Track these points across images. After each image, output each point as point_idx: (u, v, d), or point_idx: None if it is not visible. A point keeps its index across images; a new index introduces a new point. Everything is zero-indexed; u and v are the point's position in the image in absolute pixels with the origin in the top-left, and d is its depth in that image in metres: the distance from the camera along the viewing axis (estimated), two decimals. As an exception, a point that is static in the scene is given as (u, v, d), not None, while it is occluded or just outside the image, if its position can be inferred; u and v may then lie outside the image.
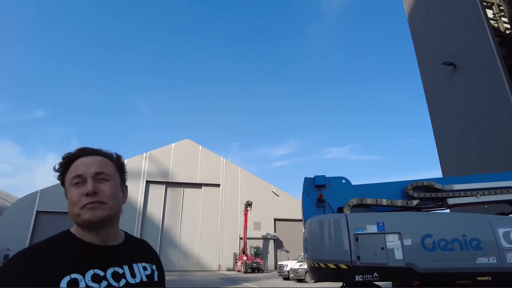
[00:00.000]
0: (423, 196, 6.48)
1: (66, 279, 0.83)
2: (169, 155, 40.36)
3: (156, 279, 1.05)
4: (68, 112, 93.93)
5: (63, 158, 0.97)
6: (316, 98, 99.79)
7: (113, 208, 0.95)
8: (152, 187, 39.09)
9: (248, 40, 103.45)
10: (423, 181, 6.60)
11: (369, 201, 6.04)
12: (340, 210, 5.99)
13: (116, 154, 1.05)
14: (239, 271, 31.80)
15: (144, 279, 1.00)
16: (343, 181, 6.33)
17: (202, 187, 40.53)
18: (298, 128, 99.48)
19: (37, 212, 34.47)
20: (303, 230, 6.00)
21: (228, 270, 35.43)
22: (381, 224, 5.25)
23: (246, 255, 32.39)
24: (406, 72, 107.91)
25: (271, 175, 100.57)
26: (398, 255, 5.11)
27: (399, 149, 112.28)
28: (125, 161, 1.10)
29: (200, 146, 42.28)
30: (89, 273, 0.87)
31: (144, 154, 39.87)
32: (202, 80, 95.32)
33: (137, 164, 38.66)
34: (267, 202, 40.44)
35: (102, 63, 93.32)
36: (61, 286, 0.81)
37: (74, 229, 0.96)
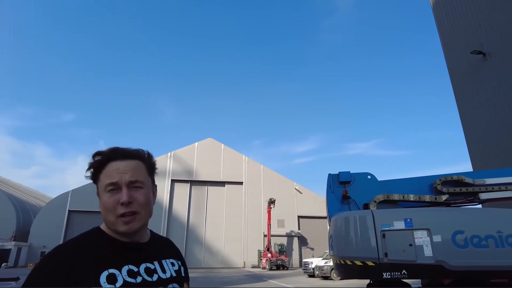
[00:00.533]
0: (452, 191, 6.25)
1: (104, 274, 0.87)
2: (193, 154, 40.99)
3: (183, 274, 1.10)
4: (95, 115, 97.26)
5: (94, 157, 0.99)
6: (338, 94, 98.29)
7: (146, 216, 0.99)
8: (177, 185, 39.86)
9: (263, 40, 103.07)
10: (452, 175, 6.37)
11: (395, 197, 5.89)
12: (366, 206, 5.87)
13: (148, 154, 1.06)
14: (263, 268, 31.90)
15: (174, 274, 1.04)
16: (369, 177, 6.20)
17: (225, 185, 40.91)
18: (321, 124, 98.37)
19: (69, 211, 35.97)
20: (328, 227, 5.93)
21: (253, 267, 35.63)
22: (408, 220, 5.11)
23: (271, 252, 32.43)
24: (431, 64, 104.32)
25: (294, 172, 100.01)
26: (428, 252, 4.96)
27: (426, 143, 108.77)
28: (155, 160, 1.11)
29: (223, 145, 42.66)
30: (125, 268, 0.92)
31: (169, 153, 40.67)
32: (222, 80, 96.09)
33: (162, 163, 39.48)
34: (290, 200, 40.31)
35: (127, 66, 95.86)
36: (100, 281, 0.85)
37: (104, 227, 1.00)
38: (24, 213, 39.28)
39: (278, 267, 30.61)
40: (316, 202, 40.31)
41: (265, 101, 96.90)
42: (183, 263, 1.17)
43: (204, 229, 38.84)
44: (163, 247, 1.11)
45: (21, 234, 35.91)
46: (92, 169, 0.99)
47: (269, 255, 31.92)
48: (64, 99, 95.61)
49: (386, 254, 4.87)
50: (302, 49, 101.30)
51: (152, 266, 0.99)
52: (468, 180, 6.26)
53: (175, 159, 40.38)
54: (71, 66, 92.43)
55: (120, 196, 0.94)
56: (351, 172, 6.18)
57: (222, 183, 40.97)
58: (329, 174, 6.19)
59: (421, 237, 5.05)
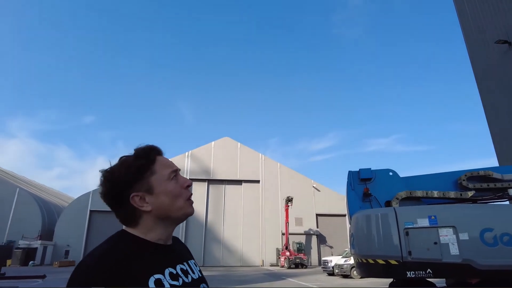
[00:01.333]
0: (479, 187, 6.00)
1: (152, 279, 0.83)
2: (210, 153, 41.28)
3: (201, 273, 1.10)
4: (113, 117, 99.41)
5: (141, 154, 0.99)
6: (355, 88, 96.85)
7: None
8: (194, 184, 40.23)
9: (277, 33, 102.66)
10: (479, 170, 6.12)
11: (419, 193, 5.70)
12: (388, 204, 5.71)
13: None
14: (282, 266, 31.81)
15: (200, 274, 1.05)
16: (390, 173, 6.03)
17: (243, 183, 41.01)
18: (338, 120, 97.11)
19: (90, 211, 36.91)
20: (349, 225, 5.80)
21: (272, 265, 35.60)
22: (433, 217, 4.93)
23: (289, 251, 32.30)
24: (453, 53, 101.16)
25: (312, 170, 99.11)
26: (454, 250, 4.77)
27: (448, 138, 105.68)
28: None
29: (239, 144, 42.77)
30: (166, 272, 0.89)
31: (186, 153, 41.11)
32: (237, 76, 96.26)
33: (180, 163, 39.92)
34: (308, 198, 40.02)
35: (142, 66, 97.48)
36: (150, 286, 0.82)
37: (131, 229, 0.94)
38: (49, 213, 40.57)
39: (297, 266, 30.46)
40: (335, 200, 39.87)
41: (284, 95, 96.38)
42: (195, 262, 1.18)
43: (222, 228, 39.08)
44: (181, 248, 1.11)
45: (46, 234, 37.12)
46: (141, 167, 0.97)
47: (288, 253, 31.80)
48: (84, 102, 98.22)
49: (410, 253, 4.71)
50: (318, 42, 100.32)
51: (184, 267, 0.99)
52: (496, 175, 6.00)
53: (193, 159, 40.79)
54: (89, 70, 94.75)
55: (185, 180, 1.02)
56: (372, 168, 6.03)
57: (239, 182, 41.09)
58: (349, 171, 6.04)
59: (446, 235, 4.86)
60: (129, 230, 0.94)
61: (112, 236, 0.92)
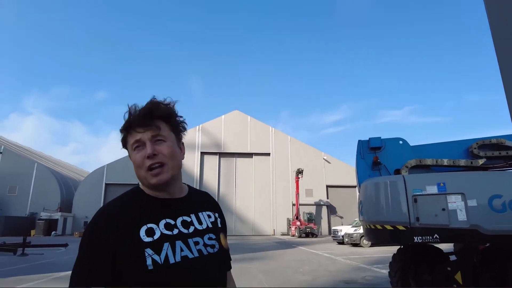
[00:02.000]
0: (490, 155, 5.99)
1: (143, 228, 0.96)
2: (220, 126, 41.49)
3: (219, 225, 1.16)
4: (124, 92, 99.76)
5: (124, 125, 1.06)
6: (369, 58, 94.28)
7: (174, 167, 1.04)
8: (206, 158, 40.81)
9: (288, 2, 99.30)
10: (491, 138, 6.08)
11: (428, 161, 5.73)
12: (397, 172, 5.77)
13: (172, 113, 1.10)
14: (293, 235, 32.64)
15: (210, 225, 1.10)
16: (400, 142, 6.05)
17: (253, 156, 41.38)
18: (351, 91, 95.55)
19: (106, 184, 38.10)
20: (358, 194, 5.92)
21: (283, 234, 36.54)
22: (442, 184, 4.99)
23: (300, 221, 32.99)
24: (470, 20, 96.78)
25: (323, 143, 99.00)
26: (462, 216, 4.86)
27: (464, 109, 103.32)
28: (180, 118, 1.13)
29: (249, 117, 42.74)
30: (162, 222, 0.99)
31: (197, 127, 41.38)
32: (246, 45, 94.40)
33: (191, 136, 40.33)
34: (319, 170, 40.28)
35: (151, 39, 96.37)
36: (140, 234, 0.94)
37: (142, 186, 1.08)
38: (66, 187, 42.01)
39: (307, 235, 31.20)
40: (345, 172, 40.03)
41: (296, 64, 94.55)
42: (221, 215, 1.22)
43: (234, 199, 39.93)
44: (200, 201, 1.17)
45: (65, 206, 38.67)
46: (121, 137, 1.07)
47: (298, 223, 32.51)
48: (95, 77, 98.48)
49: (417, 219, 4.82)
50: (330, 9, 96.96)
51: (188, 219, 1.05)
52: (509, 143, 5.95)
53: (204, 132, 41.10)
54: (101, 46, 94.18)
55: (146, 151, 1.00)
56: (382, 138, 6.06)
57: (249, 155, 41.47)
58: (359, 141, 6.08)
59: (454, 202, 4.93)
60: (140, 185, 1.08)
61: (127, 190, 1.08)
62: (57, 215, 35.54)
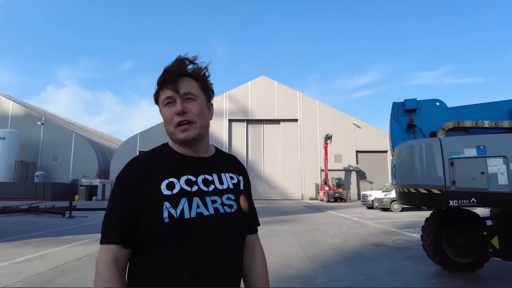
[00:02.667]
0: (537, 116, 5.59)
1: (165, 182, 1.00)
2: (247, 93, 41.28)
3: (242, 188, 1.17)
4: (150, 61, 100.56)
5: (158, 80, 1.08)
6: (399, 16, 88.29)
7: (202, 126, 1.07)
8: (234, 125, 41.14)
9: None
10: (539, 98, 5.65)
11: (467, 123, 5.44)
12: (433, 135, 5.54)
13: (203, 74, 1.12)
14: (321, 200, 32.95)
15: (231, 186, 1.11)
16: (437, 103, 5.75)
17: (281, 122, 41.20)
18: (383, 53, 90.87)
19: (139, 152, 39.66)
20: (391, 157, 5.79)
21: (311, 199, 36.98)
22: (481, 147, 4.76)
23: (328, 186, 33.11)
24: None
25: (352, 107, 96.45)
26: (503, 180, 4.65)
27: (506, 67, 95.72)
28: (209, 80, 1.15)
29: (276, 82, 42.09)
30: (183, 178, 1.03)
31: (224, 94, 41.41)
32: (271, 7, 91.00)
33: (219, 104, 40.55)
34: (348, 135, 39.60)
35: (176, 5, 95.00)
36: (161, 187, 0.99)
37: (170, 143, 1.13)
38: (103, 155, 44.25)
39: (336, 200, 31.39)
40: (376, 137, 39.15)
41: (324, 24, 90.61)
42: (246, 179, 1.23)
43: (262, 165, 40.47)
44: (225, 162, 1.19)
45: (103, 173, 40.99)
46: (154, 92, 1.11)
47: (327, 188, 32.66)
48: (121, 48, 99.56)
49: (453, 182, 4.67)
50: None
51: (210, 178, 1.08)
52: (558, 102, 5.52)
53: (231, 99, 41.14)
54: (124, 15, 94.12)
55: (176, 108, 1.03)
56: (417, 99, 5.79)
57: (277, 121, 41.31)
58: (394, 103, 5.84)
59: (495, 165, 4.71)
60: (169, 142, 1.13)
61: (157, 146, 1.15)
62: (96, 182, 37.87)
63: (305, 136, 39.85)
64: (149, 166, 1.03)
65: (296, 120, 40.68)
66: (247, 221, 1.15)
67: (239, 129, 41.06)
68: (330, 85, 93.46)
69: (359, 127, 40.03)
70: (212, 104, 1.17)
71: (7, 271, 5.40)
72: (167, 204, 0.96)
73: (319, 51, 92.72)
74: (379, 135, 39.34)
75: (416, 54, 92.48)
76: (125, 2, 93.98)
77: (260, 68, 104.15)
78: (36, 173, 39.72)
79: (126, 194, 0.98)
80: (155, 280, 0.94)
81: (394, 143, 5.67)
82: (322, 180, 35.08)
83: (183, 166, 1.06)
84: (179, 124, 1.03)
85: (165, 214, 0.95)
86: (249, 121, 41.34)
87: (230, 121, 40.73)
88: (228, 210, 1.05)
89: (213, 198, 1.04)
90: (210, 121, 1.14)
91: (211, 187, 1.06)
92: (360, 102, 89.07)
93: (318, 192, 35.32)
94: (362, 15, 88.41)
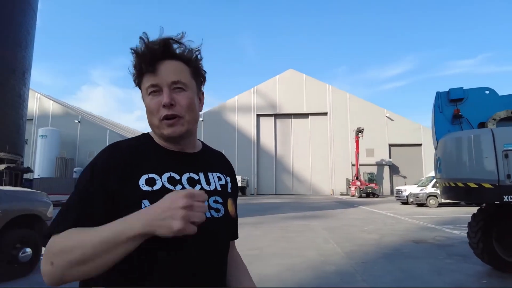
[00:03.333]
0: None
1: (144, 177, 0.86)
2: (274, 87, 41.04)
3: (229, 190, 1.03)
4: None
5: (138, 60, 0.91)
6: (432, 4, 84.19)
7: (191, 121, 0.93)
8: (262, 120, 41.11)
9: None
10: None
11: (522, 113, 5.05)
12: (481, 126, 5.19)
13: (194, 56, 0.95)
14: (352, 195, 32.31)
15: (218, 187, 0.98)
16: (487, 92, 5.36)
17: (310, 116, 40.69)
18: (415, 41, 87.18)
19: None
20: (434, 150, 5.48)
21: (342, 194, 36.36)
22: (540, 138, 4.40)
23: (360, 181, 32.39)
24: None
25: (384, 99, 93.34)
26: None
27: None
28: (202, 64, 0.99)
29: (304, 75, 41.54)
30: (166, 175, 0.89)
31: (252, 89, 41.42)
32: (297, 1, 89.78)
33: (247, 99, 40.65)
34: (381, 128, 38.45)
35: (204, 4, 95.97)
36: (140, 182, 0.85)
37: (152, 134, 0.98)
38: (136, 150, 45.72)
39: (368, 195, 30.67)
40: (410, 130, 37.81)
41: (347, 19, 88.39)
42: (233, 180, 1.09)
43: (291, 160, 40.24)
44: (213, 160, 1.06)
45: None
46: (134, 75, 0.93)
47: (358, 183, 31.96)
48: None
49: (508, 176, 4.34)
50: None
51: (196, 177, 0.94)
52: None
53: (259, 94, 41.09)
54: (153, 12, 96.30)
55: (162, 99, 0.88)
56: (464, 88, 5.43)
57: (306, 115, 40.83)
58: (437, 92, 5.50)
59: (556, 157, 4.34)
60: (151, 132, 0.98)
61: (138, 135, 1.00)
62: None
63: (335, 130, 39.13)
64: (127, 155, 0.88)
65: (325, 114, 40.01)
66: (234, 226, 1.02)
67: (267, 124, 40.99)
68: (360, 76, 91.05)
69: (392, 120, 38.75)
70: (203, 93, 1.02)
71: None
72: (146, 202, 0.82)
73: (347, 42, 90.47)
74: (412, 128, 37.93)
75: (451, 42, 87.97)
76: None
77: (288, 62, 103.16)
78: (75, 169, 41.74)
79: (97, 180, 0.82)
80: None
81: (438, 135, 5.36)
82: (354, 175, 34.36)
83: (166, 162, 0.91)
84: (166, 117, 0.89)
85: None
86: (277, 116, 41.16)
87: (258, 116, 40.73)
88: (215, 214, 0.92)
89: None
90: (200, 112, 1.00)
91: (197, 187, 0.92)
92: (392, 94, 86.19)
93: (349, 187, 34.65)
94: (391, 4, 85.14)
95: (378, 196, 31.09)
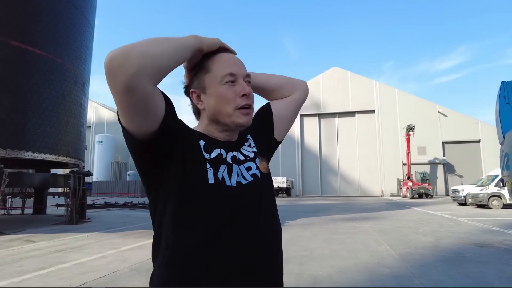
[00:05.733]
0: None
1: (202, 142, 0.94)
2: (318, 86, 40.42)
3: (256, 149, 1.05)
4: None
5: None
6: (492, -13, 77.69)
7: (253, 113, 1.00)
8: (306, 119, 40.69)
9: None
10: None
11: None
12: (555, 117, 4.70)
13: None
14: (404, 196, 30.77)
15: (251, 155, 1.02)
16: (562, 79, 4.85)
17: (356, 114, 39.52)
18: (469, 30, 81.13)
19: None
20: (500, 145, 5.04)
21: (392, 195, 34.80)
22: None
23: (412, 181, 30.76)
24: None
25: (436, 94, 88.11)
26: None
27: None
28: None
29: (349, 72, 40.45)
30: (216, 151, 0.95)
31: (295, 89, 41.17)
32: None
33: (290, 99, 40.45)
34: (433, 124, 36.27)
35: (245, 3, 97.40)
36: (201, 144, 0.92)
37: (197, 127, 1.02)
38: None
39: (421, 196, 29.04)
40: (465, 125, 35.27)
41: (394, 10, 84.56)
42: (254, 133, 1.10)
43: (337, 160, 39.35)
44: (242, 137, 1.08)
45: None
46: (195, 64, 0.97)
47: (410, 183, 30.38)
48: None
49: None
50: None
51: (237, 156, 0.99)
52: None
53: (302, 94, 40.74)
54: (194, 19, 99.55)
55: (239, 88, 0.93)
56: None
57: (352, 113, 39.73)
58: (503, 82, 5.05)
59: None
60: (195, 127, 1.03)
61: None
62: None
63: (383, 128, 37.59)
64: (188, 128, 0.97)
65: (373, 111, 38.61)
66: (270, 180, 1.06)
67: (311, 123, 40.51)
68: (409, 71, 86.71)
69: (445, 116, 36.39)
70: None
71: (116, 257, 6.06)
72: (208, 165, 0.90)
73: (393, 35, 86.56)
74: (469, 123, 35.33)
75: (509, 27, 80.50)
76: (194, 6, 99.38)
77: (332, 60, 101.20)
78: (128, 172, 44.39)
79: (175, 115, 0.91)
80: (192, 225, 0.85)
81: (505, 128, 4.92)
82: (405, 175, 32.72)
83: (214, 143, 0.97)
84: (242, 107, 0.93)
85: (210, 175, 0.88)
86: (321, 115, 40.51)
87: (302, 116, 40.37)
88: (250, 178, 0.96)
89: (247, 165, 0.98)
90: None
91: (242, 159, 0.99)
92: (445, 88, 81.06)
93: (401, 188, 33.05)
94: (444, -8, 79.92)
95: (432, 197, 29.32)
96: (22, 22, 10.53)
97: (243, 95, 0.93)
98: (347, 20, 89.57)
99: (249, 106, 0.94)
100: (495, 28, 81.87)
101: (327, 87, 40.27)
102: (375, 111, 38.45)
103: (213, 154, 0.93)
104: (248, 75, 0.97)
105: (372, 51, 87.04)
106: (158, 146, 0.85)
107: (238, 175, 0.94)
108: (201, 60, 0.96)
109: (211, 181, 0.88)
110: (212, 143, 0.96)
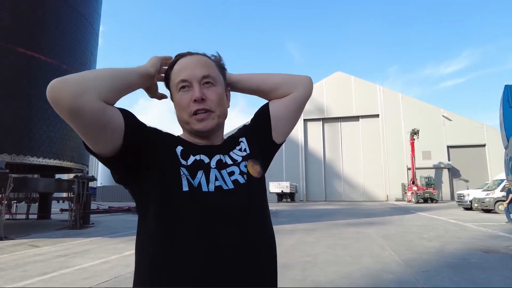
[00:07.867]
0: None
1: (179, 148, 0.92)
2: (322, 91, 40.37)
3: (248, 151, 1.02)
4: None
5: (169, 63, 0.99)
6: (496, -9, 77.50)
7: (220, 116, 0.95)
8: (309, 124, 40.64)
9: None
10: None
11: None
12: (561, 120, 4.64)
13: (219, 56, 1.02)
14: (409, 201, 30.52)
15: (239, 160, 0.99)
16: None
17: (360, 119, 39.40)
18: (474, 34, 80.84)
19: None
20: (505, 149, 5.00)
21: (397, 200, 34.51)
22: None
23: (416, 186, 30.51)
24: None
25: (441, 98, 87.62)
26: None
27: None
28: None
29: (353, 77, 40.40)
30: (197, 156, 0.93)
31: (298, 94, 41.17)
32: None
33: (293, 104, 40.42)
34: (437, 129, 36.05)
35: (250, 6, 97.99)
36: (176, 151, 0.91)
37: (182, 135, 1.00)
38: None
39: (426, 200, 28.77)
40: (470, 129, 35.02)
41: (398, 13, 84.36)
42: (249, 137, 1.07)
43: (341, 164, 39.17)
44: (232, 141, 1.06)
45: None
46: (165, 74, 0.99)
47: (415, 188, 30.13)
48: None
49: None
50: None
51: (223, 159, 0.96)
52: None
53: (305, 99, 40.73)
54: (201, 23, 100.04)
55: (193, 94, 0.90)
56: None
57: (355, 118, 39.61)
58: (506, 86, 5.00)
59: None
60: (181, 135, 1.02)
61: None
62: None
63: (387, 132, 37.43)
64: (164, 135, 0.96)
65: (377, 116, 38.47)
66: (261, 185, 1.00)
67: (315, 128, 40.44)
68: (413, 76, 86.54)
69: (450, 120, 36.17)
70: (229, 90, 1.05)
71: (119, 262, 6.06)
72: (184, 170, 0.88)
73: (398, 40, 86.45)
74: (474, 127, 35.08)
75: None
76: (196, 8, 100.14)
77: (335, 65, 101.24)
78: (133, 177, 44.55)
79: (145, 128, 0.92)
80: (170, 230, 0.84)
81: (509, 132, 4.88)
82: (410, 180, 32.47)
83: (196, 149, 0.95)
84: (196, 112, 0.91)
85: (184, 182, 0.86)
86: (325, 120, 40.43)
87: (305, 120, 40.33)
88: (241, 180, 0.94)
89: (230, 169, 0.95)
90: (228, 108, 1.02)
91: (228, 162, 0.97)
92: (449, 93, 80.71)
93: (405, 193, 32.79)
94: (447, -4, 79.86)
95: (437, 202, 29.04)
96: (28, 29, 10.69)
97: (194, 101, 0.90)
98: (351, 25, 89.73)
99: (205, 111, 0.91)
100: (500, 32, 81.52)
101: (330, 91, 40.23)
102: (379, 116, 38.31)
103: (190, 160, 0.91)
104: (205, 77, 0.92)
105: (376, 56, 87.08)
106: (128, 159, 0.85)
107: (217, 180, 0.90)
108: (166, 72, 0.99)
109: (185, 188, 0.85)
110: (191, 148, 0.94)
